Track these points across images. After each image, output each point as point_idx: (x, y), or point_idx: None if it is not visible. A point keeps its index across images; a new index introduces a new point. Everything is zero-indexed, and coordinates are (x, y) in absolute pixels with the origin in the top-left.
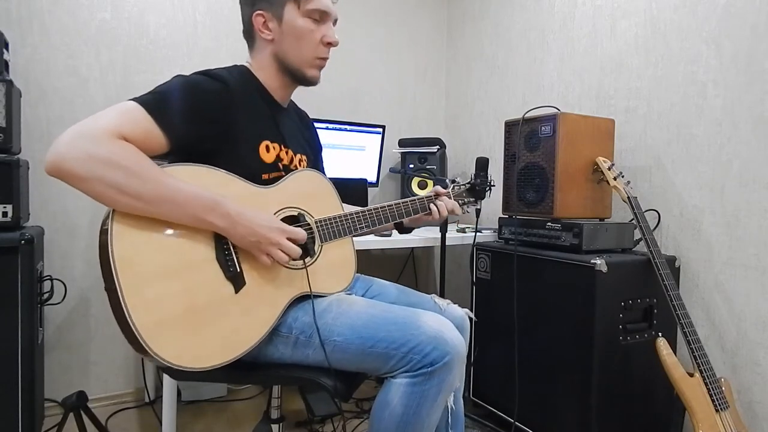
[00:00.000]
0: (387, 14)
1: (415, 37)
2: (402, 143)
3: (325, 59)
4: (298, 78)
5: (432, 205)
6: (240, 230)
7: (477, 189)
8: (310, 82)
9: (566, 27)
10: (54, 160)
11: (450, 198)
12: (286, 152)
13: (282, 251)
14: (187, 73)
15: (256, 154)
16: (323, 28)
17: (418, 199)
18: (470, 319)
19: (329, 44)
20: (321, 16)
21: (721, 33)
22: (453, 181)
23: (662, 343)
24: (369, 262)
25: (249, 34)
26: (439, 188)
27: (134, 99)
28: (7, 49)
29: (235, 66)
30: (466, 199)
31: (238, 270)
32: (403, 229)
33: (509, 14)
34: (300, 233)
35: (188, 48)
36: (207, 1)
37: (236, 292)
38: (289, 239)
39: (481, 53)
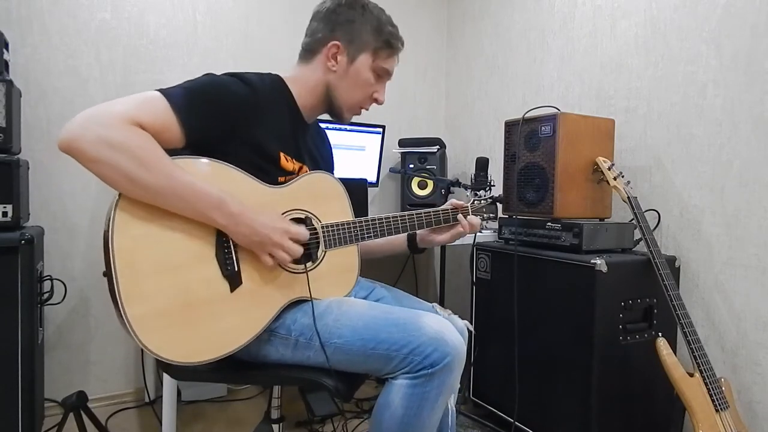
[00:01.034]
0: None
1: (415, 37)
2: (402, 143)
3: (365, 110)
4: (335, 113)
5: (461, 216)
6: (242, 229)
7: (497, 204)
8: (341, 120)
9: (566, 27)
10: (67, 138)
11: (469, 213)
12: (300, 168)
13: (284, 252)
14: (218, 73)
15: (275, 161)
16: (379, 86)
17: (433, 211)
18: (469, 332)
19: (376, 101)
20: (383, 74)
21: (721, 33)
22: (475, 194)
23: (662, 343)
24: (369, 262)
25: (312, 51)
26: (455, 201)
27: (159, 90)
28: (7, 49)
29: (269, 74)
30: (485, 214)
31: (236, 269)
32: (416, 250)
33: (509, 14)
34: (303, 233)
35: (188, 48)
36: (207, 1)
37: (231, 291)
38: (291, 239)
39: (481, 53)
